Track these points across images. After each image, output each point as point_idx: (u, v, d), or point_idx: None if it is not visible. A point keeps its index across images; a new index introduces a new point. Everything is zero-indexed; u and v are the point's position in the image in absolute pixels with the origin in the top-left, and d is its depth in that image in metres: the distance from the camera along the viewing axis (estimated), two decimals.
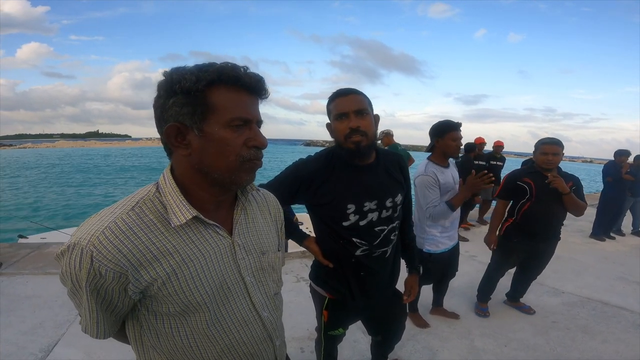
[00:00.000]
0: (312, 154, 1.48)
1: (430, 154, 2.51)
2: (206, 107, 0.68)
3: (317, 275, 1.59)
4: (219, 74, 0.67)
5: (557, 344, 2.67)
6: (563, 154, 2.63)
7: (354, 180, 1.37)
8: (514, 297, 3.22)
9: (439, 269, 2.63)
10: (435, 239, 2.50)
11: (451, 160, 2.56)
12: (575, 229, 6.16)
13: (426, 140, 2.56)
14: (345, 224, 1.38)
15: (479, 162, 6.19)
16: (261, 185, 1.29)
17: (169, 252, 0.71)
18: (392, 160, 1.49)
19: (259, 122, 0.76)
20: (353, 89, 1.32)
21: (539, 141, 2.70)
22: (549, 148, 2.60)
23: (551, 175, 2.57)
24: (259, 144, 0.74)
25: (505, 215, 2.92)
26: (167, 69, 0.70)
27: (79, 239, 0.66)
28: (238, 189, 0.83)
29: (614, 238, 5.95)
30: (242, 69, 0.70)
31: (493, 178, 2.26)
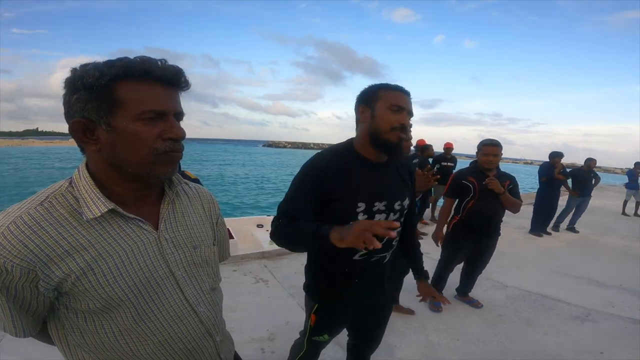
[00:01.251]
0: (318, 152, 1.40)
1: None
2: (112, 101, 0.66)
3: (310, 281, 1.49)
4: (126, 68, 0.65)
5: (504, 337, 2.76)
6: (502, 154, 2.80)
7: (367, 177, 1.29)
8: (464, 291, 3.31)
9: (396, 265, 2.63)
10: None
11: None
12: (516, 226, 6.48)
13: None
14: (352, 223, 1.26)
15: (447, 163, 6.48)
16: (281, 203, 1.30)
17: (83, 247, 0.68)
18: (402, 163, 1.44)
19: (178, 114, 0.74)
20: (405, 88, 1.28)
21: (480, 143, 2.86)
22: (490, 149, 2.76)
23: (488, 178, 2.73)
24: (174, 136, 0.71)
25: (452, 213, 3.04)
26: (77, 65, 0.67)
27: None
28: (158, 182, 0.79)
29: (550, 234, 6.34)
30: (156, 62, 0.68)
31: (439, 176, 2.29)
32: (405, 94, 1.26)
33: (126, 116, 0.66)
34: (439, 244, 3.08)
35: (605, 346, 2.67)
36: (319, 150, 1.38)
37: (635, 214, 8.97)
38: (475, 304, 3.23)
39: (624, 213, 9.02)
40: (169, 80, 0.70)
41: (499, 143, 2.79)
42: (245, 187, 20.96)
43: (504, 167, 2.93)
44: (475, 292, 3.36)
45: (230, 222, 7.65)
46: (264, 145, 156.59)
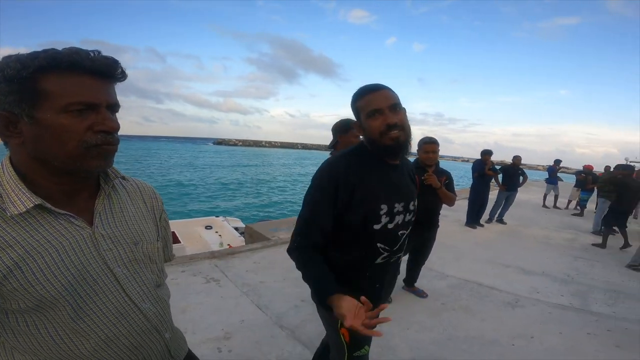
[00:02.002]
0: (331, 156, 1.33)
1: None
2: (35, 94, 0.63)
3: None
4: (51, 59, 0.62)
5: (447, 324, 2.90)
6: (439, 150, 3.00)
7: (385, 179, 1.25)
8: (410, 282, 3.44)
9: None
10: None
11: None
12: (454, 219, 6.87)
13: None
14: (376, 226, 1.23)
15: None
16: (302, 214, 1.24)
17: (8, 245, 0.64)
18: (408, 164, 1.43)
19: (113, 106, 0.71)
20: (382, 84, 1.21)
21: (420, 140, 3.03)
22: (429, 147, 2.95)
23: (426, 174, 2.89)
24: (106, 128, 0.68)
25: None
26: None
27: None
28: (90, 176, 0.76)
29: (482, 226, 6.81)
30: (87, 53, 0.65)
31: None
32: (377, 90, 1.19)
33: (51, 109, 0.63)
34: None
35: (535, 331, 2.89)
36: (328, 156, 1.35)
37: (554, 207, 9.92)
38: (420, 294, 3.37)
39: (544, 206, 9.93)
40: (101, 71, 0.67)
41: (437, 141, 3.00)
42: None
43: (445, 164, 3.10)
44: (420, 283, 3.50)
45: (177, 225, 7.28)
46: (214, 143, 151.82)
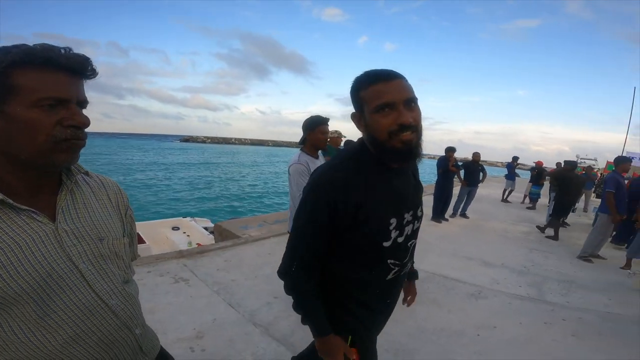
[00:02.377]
0: (326, 163, 1.12)
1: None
2: (6, 88, 0.63)
3: (334, 312, 1.16)
4: (25, 55, 0.63)
5: (418, 316, 2.96)
6: None
7: (391, 187, 1.05)
8: None
9: None
10: None
11: (320, 153, 2.69)
12: None
13: None
14: (386, 244, 1.04)
15: None
16: (289, 242, 1.10)
17: None
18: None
19: (82, 102, 0.72)
20: (396, 72, 0.95)
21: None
22: None
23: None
24: (76, 123, 0.68)
25: None
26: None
27: None
28: (55, 171, 0.76)
29: (447, 220, 7.04)
30: (59, 50, 0.66)
31: None
32: (390, 78, 0.93)
33: (21, 103, 0.64)
34: None
35: (497, 321, 3.01)
36: (329, 164, 1.07)
37: (505, 200, 10.43)
38: None
39: (503, 200, 10.44)
40: (72, 68, 0.68)
41: None
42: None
43: None
44: None
45: (141, 227, 6.96)
46: (180, 140, 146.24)
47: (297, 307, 1.11)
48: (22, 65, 0.63)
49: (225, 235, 5.19)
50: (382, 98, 0.92)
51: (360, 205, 0.98)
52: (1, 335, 0.68)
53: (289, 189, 2.59)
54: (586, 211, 10.00)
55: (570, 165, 6.76)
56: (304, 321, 1.11)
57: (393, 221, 1.03)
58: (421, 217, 1.18)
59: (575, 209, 8.42)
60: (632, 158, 8.84)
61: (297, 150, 2.64)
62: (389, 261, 1.08)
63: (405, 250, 1.13)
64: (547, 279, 4.14)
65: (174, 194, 18.35)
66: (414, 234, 1.16)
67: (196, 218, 8.88)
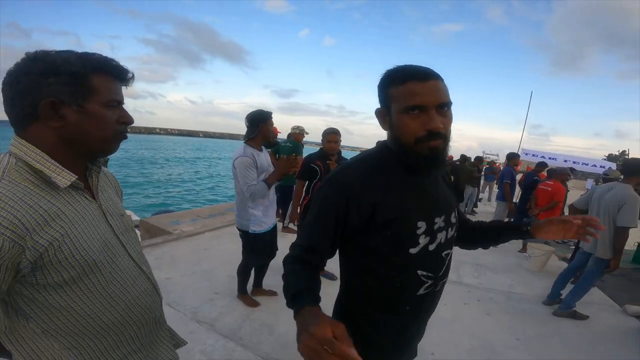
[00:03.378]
0: (346, 161, 1.01)
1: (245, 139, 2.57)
2: (87, 89, 0.73)
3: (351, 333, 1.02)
4: (101, 63, 0.75)
5: None
6: (341, 140, 3.17)
7: (418, 188, 0.94)
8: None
9: (265, 248, 2.65)
10: (258, 219, 2.53)
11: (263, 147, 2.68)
12: None
13: (245, 129, 2.56)
14: (413, 250, 0.91)
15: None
16: (299, 236, 0.97)
17: (57, 215, 0.71)
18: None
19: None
20: (433, 71, 0.85)
21: (324, 131, 3.15)
22: (333, 137, 3.10)
23: (329, 162, 3.07)
24: (128, 121, 0.82)
25: (304, 194, 3.27)
26: (32, 50, 0.73)
27: None
28: (105, 157, 0.87)
29: None
30: (117, 62, 0.79)
31: (315, 165, 2.42)
32: (426, 78, 0.83)
33: (98, 102, 0.75)
34: (295, 224, 3.30)
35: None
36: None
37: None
38: (330, 276, 3.46)
39: None
40: (122, 77, 0.81)
41: (339, 131, 3.16)
42: None
43: (346, 154, 3.29)
44: (329, 266, 3.55)
45: None
46: None
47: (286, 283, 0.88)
48: (99, 71, 0.75)
49: (154, 232, 4.76)
50: (414, 99, 0.82)
51: (378, 205, 0.87)
52: (70, 311, 0.75)
53: (235, 182, 2.49)
54: (490, 201, 11.22)
55: (461, 158, 8.07)
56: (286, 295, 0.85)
57: (421, 225, 0.91)
58: (455, 224, 1.03)
59: (481, 199, 9.44)
60: (527, 154, 10.23)
61: (233, 143, 2.55)
62: (419, 272, 0.94)
63: (438, 261, 0.98)
64: (462, 263, 4.55)
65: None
66: (449, 243, 1.01)
67: None
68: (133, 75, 0.83)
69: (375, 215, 0.87)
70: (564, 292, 3.41)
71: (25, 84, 0.70)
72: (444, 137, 0.85)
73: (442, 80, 0.86)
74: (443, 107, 0.84)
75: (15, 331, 0.74)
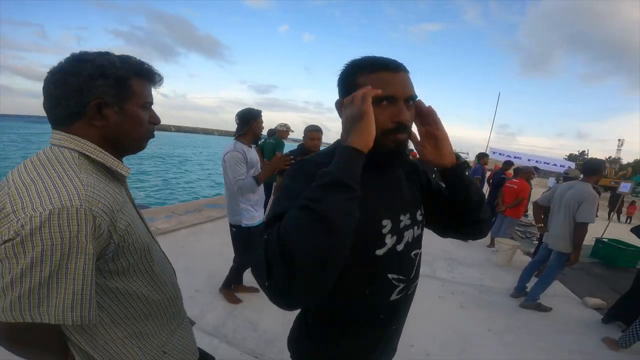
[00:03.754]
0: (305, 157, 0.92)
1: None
2: (127, 91, 0.79)
3: (318, 343, 0.93)
4: (139, 68, 0.81)
5: None
6: (322, 137, 3.21)
7: (380, 185, 0.87)
8: None
9: (257, 243, 2.62)
10: (250, 212, 2.55)
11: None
12: None
13: (220, 124, 2.57)
14: (379, 252, 0.84)
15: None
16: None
17: (123, 202, 0.77)
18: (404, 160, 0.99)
19: None
20: (400, 62, 0.81)
21: (306, 128, 3.16)
22: (315, 135, 3.11)
23: None
24: (156, 121, 0.89)
25: None
26: (77, 51, 0.77)
27: (63, 202, 0.63)
28: (135, 153, 0.91)
29: None
30: (148, 65, 0.84)
31: (293, 161, 2.43)
32: (396, 70, 0.79)
33: (136, 104, 0.81)
34: None
35: None
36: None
37: None
38: None
39: None
40: (154, 80, 0.87)
41: (321, 129, 3.18)
42: None
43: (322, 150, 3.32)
44: None
45: None
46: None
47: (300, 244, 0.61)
48: (138, 75, 0.81)
49: None
50: (385, 90, 0.76)
51: None
52: (132, 295, 0.80)
53: (224, 177, 2.48)
54: None
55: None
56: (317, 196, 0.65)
57: (386, 223, 0.85)
58: (422, 221, 0.98)
59: None
60: (494, 153, 10.69)
61: (206, 138, 2.54)
62: (389, 276, 0.87)
63: (409, 262, 0.92)
64: (436, 258, 4.70)
65: None
66: (417, 241, 0.95)
67: None
68: (162, 78, 0.89)
69: None
70: (529, 285, 3.60)
71: (74, 85, 0.73)
72: (409, 131, 0.83)
73: (409, 73, 0.83)
74: (409, 100, 0.81)
75: (87, 325, 0.75)
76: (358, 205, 0.67)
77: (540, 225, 3.88)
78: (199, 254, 3.72)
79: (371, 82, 0.78)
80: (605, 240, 5.85)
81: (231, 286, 2.90)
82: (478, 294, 3.69)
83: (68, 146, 0.74)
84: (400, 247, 0.88)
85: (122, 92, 0.77)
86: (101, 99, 0.75)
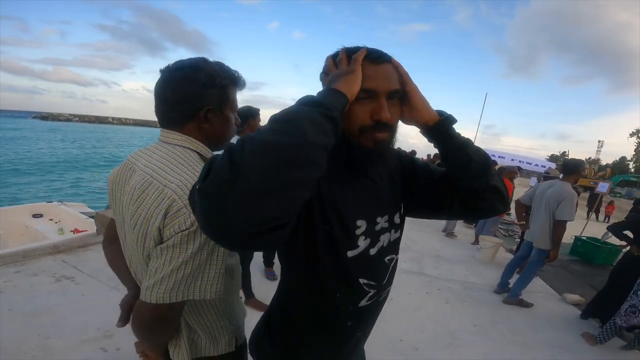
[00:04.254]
0: None
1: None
2: (226, 98, 0.89)
3: (280, 350, 0.87)
4: (234, 77, 0.91)
5: None
6: None
7: (357, 183, 0.80)
8: (269, 262, 3.41)
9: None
10: None
11: None
12: None
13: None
14: (351, 253, 0.77)
15: None
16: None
17: None
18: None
19: None
20: (384, 53, 0.73)
21: None
22: None
23: None
24: (238, 123, 0.98)
25: None
26: (201, 59, 0.87)
27: None
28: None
29: None
30: (238, 73, 0.93)
31: None
32: (380, 61, 0.72)
33: (230, 108, 0.92)
34: None
35: (392, 293, 3.26)
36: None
37: None
38: (275, 277, 3.33)
39: None
40: (242, 86, 0.96)
41: None
42: None
43: None
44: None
45: None
46: (34, 117, 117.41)
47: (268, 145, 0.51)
48: (233, 83, 0.91)
49: (112, 226, 4.46)
50: (364, 82, 0.69)
51: (318, 195, 0.72)
52: (229, 270, 0.91)
53: None
54: None
55: (412, 152, 9.16)
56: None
57: (361, 224, 0.78)
58: (400, 225, 0.91)
59: None
60: None
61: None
62: (361, 281, 0.80)
63: (381, 268, 0.86)
64: (423, 255, 4.80)
65: (27, 178, 14.88)
66: (393, 246, 0.89)
67: (66, 202, 7.18)
68: (245, 84, 0.97)
69: (311, 208, 0.72)
70: (512, 282, 3.71)
71: (190, 92, 0.83)
72: (392, 129, 0.75)
73: (393, 65, 0.75)
74: (393, 95, 0.73)
75: (197, 300, 0.87)
76: (334, 133, 0.58)
77: (522, 223, 3.99)
78: None
79: None
80: (584, 238, 6.04)
81: (252, 293, 2.80)
82: (463, 290, 3.77)
83: (189, 147, 0.85)
84: (373, 251, 0.82)
85: (223, 99, 0.88)
86: (210, 106, 0.85)
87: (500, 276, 3.87)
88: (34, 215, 6.37)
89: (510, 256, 4.74)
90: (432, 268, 4.35)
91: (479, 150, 0.81)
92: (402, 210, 0.91)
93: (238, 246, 0.58)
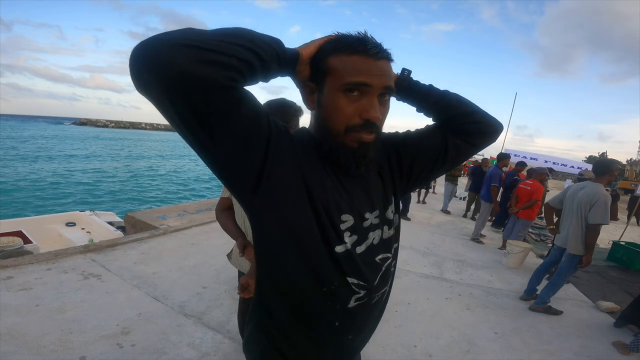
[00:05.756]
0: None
1: None
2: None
3: (265, 347, 0.82)
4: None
5: None
6: None
7: (345, 178, 0.77)
8: None
9: None
10: None
11: None
12: None
13: None
14: (338, 249, 0.73)
15: None
16: None
17: None
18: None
19: None
20: (383, 48, 0.70)
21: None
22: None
23: None
24: None
25: None
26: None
27: None
28: None
29: None
30: None
31: None
32: (376, 54, 0.68)
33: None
34: None
35: (410, 297, 3.32)
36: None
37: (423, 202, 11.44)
38: None
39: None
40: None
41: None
42: None
43: None
44: None
45: (25, 223, 5.74)
46: (74, 124, 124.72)
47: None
48: None
49: (140, 227, 4.72)
50: (358, 76, 0.67)
51: (304, 180, 0.70)
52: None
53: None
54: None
55: None
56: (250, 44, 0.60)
57: (347, 218, 0.74)
58: (394, 221, 0.87)
59: (456, 195, 9.67)
60: (509, 154, 10.50)
61: None
62: (349, 280, 0.75)
63: (371, 267, 0.79)
64: (445, 259, 4.67)
65: (61, 188, 15.55)
66: (385, 244, 0.83)
67: (97, 211, 7.53)
68: None
69: (298, 189, 0.70)
70: (540, 288, 3.53)
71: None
72: (379, 131, 0.73)
73: (392, 62, 0.73)
74: (385, 93, 0.71)
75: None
76: (268, 57, 0.63)
77: (551, 227, 3.80)
78: (208, 252, 3.79)
79: (344, 66, 0.68)
80: (623, 243, 5.68)
81: None
82: (486, 296, 3.64)
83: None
84: (360, 249, 0.77)
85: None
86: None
87: (528, 282, 3.70)
88: (67, 224, 6.70)
89: (540, 262, 4.53)
90: (454, 273, 4.23)
91: (441, 92, 0.88)
92: (395, 206, 0.88)
93: (173, 77, 0.54)
